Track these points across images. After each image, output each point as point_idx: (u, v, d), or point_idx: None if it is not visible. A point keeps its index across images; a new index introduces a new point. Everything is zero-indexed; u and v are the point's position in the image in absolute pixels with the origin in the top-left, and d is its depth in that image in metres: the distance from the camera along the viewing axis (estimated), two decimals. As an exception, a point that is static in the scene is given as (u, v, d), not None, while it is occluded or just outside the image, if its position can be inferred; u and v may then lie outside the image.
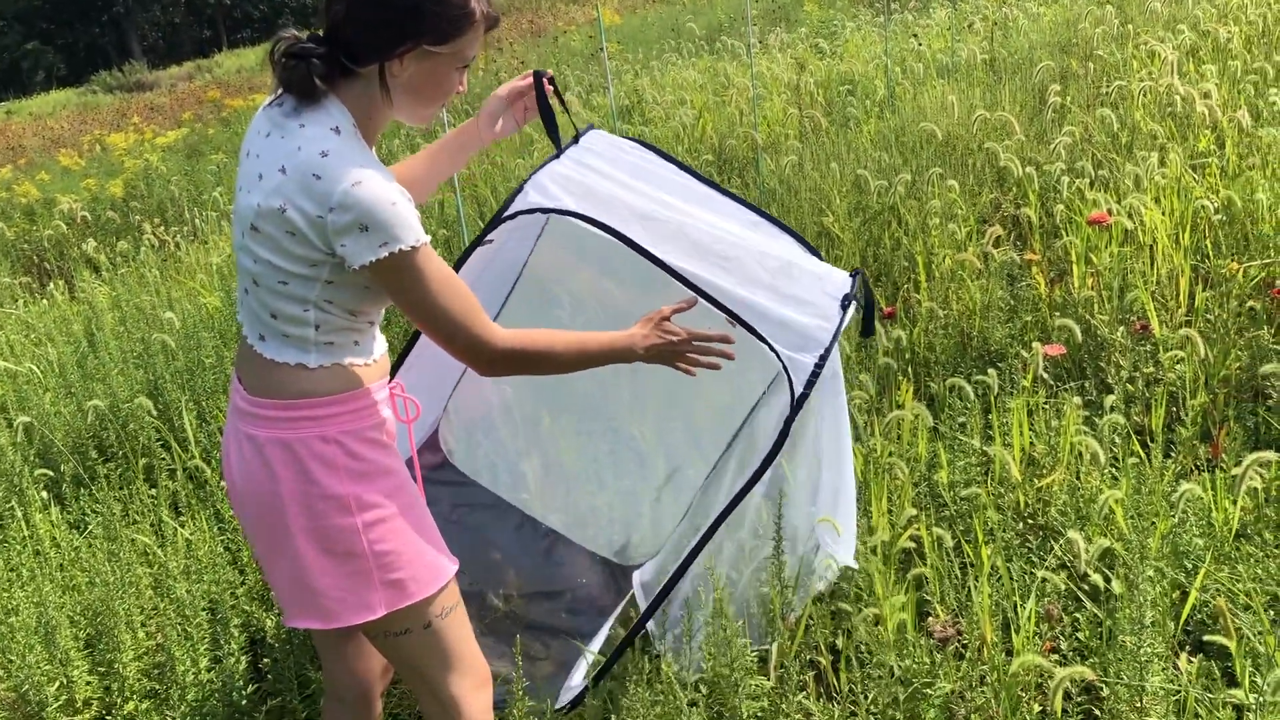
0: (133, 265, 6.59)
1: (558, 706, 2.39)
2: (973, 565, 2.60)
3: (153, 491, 3.54)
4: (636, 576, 2.92)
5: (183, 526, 3.34)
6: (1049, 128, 5.26)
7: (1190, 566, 2.50)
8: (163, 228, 7.79)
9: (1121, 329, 3.39)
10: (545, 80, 2.14)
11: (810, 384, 2.17)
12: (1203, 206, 3.80)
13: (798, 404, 2.18)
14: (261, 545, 1.79)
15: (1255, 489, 2.63)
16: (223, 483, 3.38)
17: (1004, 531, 2.63)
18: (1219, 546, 2.53)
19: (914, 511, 2.70)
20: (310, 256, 1.65)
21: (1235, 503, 2.53)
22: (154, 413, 3.84)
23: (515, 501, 3.18)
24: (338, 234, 1.60)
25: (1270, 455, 2.37)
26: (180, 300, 5.48)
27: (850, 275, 2.39)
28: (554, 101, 2.17)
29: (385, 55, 1.66)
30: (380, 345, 1.86)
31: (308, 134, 1.63)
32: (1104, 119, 4.73)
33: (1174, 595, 2.44)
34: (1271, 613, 2.33)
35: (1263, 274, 3.57)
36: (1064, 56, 6.51)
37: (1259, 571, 2.39)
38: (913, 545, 2.65)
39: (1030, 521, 2.80)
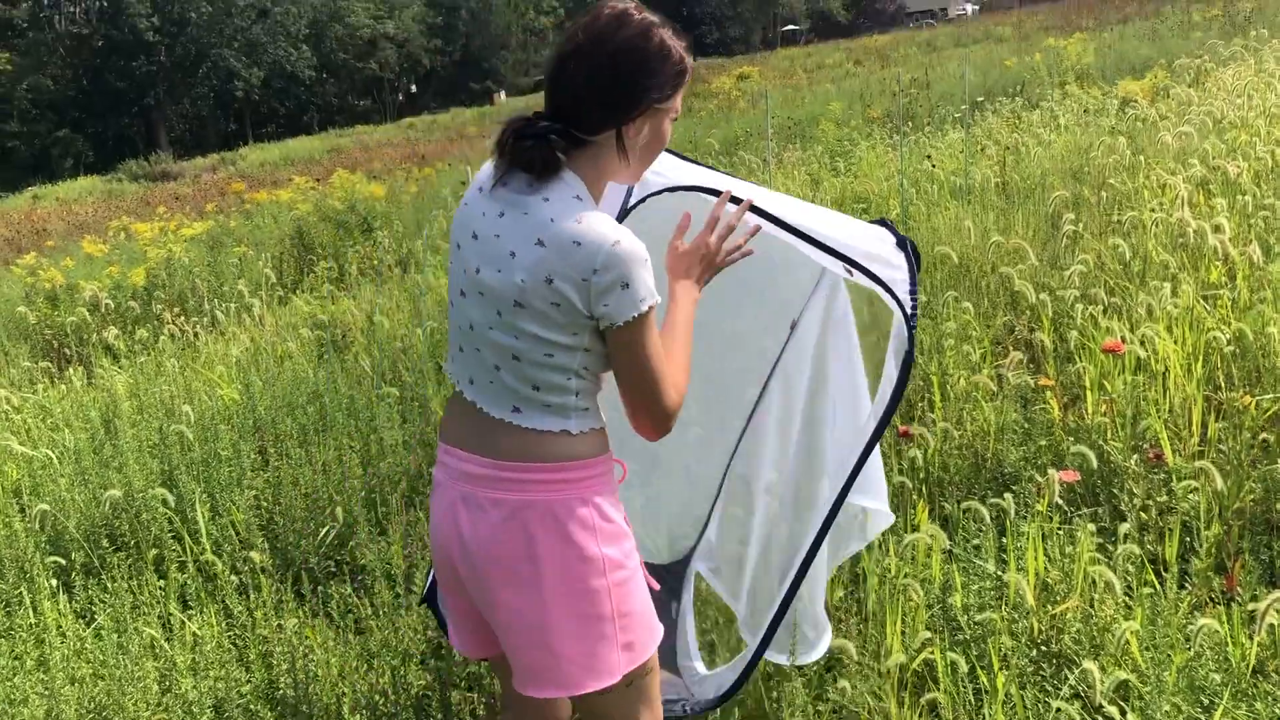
0: (151, 353, 6.66)
1: (710, 698, 2.47)
2: (987, 692, 2.57)
3: (161, 583, 3.53)
4: (696, 563, 3.03)
5: (190, 620, 3.33)
6: (1062, 253, 5.34)
7: (1207, 702, 2.48)
8: (182, 317, 7.89)
9: (1135, 457, 3.41)
10: None
11: (913, 320, 2.20)
12: (1215, 338, 3.85)
13: (910, 340, 2.20)
14: (504, 608, 1.80)
15: (1272, 625, 2.62)
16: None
17: (1018, 658, 2.62)
18: (1236, 683, 2.51)
19: (928, 634, 2.69)
20: (573, 324, 1.71)
21: (1253, 639, 2.51)
22: (170, 503, 3.85)
23: None
24: (601, 294, 1.67)
25: (1289, 594, 2.36)
26: (198, 391, 5.53)
27: (878, 222, 2.47)
28: None
29: (623, 120, 1.75)
30: None
31: (555, 207, 1.71)
32: (1116, 247, 4.82)
33: (1191, 731, 2.41)
34: (1290, 753, 2.30)
35: (1275, 407, 3.60)
36: (1075, 183, 6.64)
37: (1277, 711, 2.37)
38: (926, 669, 2.64)
39: (1044, 649, 2.78)
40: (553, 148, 1.72)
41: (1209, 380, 3.89)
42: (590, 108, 1.73)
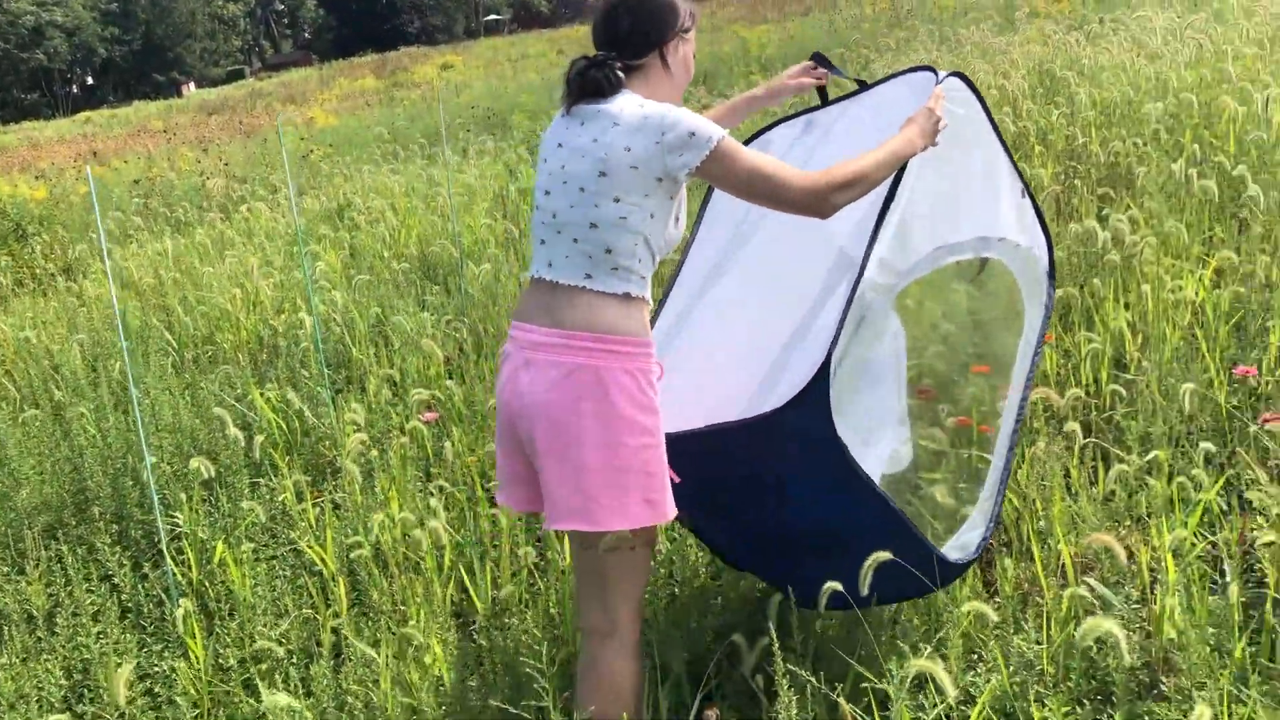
0: None
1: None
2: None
3: None
4: None
5: None
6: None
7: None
8: None
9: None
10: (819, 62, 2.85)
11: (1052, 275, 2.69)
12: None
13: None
14: (548, 453, 2.13)
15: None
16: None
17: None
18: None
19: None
20: (645, 185, 2.12)
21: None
22: None
23: None
24: (675, 149, 2.09)
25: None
26: None
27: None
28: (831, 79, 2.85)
29: (662, 43, 2.25)
30: None
31: (620, 104, 2.16)
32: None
33: None
34: None
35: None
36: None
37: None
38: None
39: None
40: (614, 69, 2.19)
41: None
42: (638, 38, 2.23)
